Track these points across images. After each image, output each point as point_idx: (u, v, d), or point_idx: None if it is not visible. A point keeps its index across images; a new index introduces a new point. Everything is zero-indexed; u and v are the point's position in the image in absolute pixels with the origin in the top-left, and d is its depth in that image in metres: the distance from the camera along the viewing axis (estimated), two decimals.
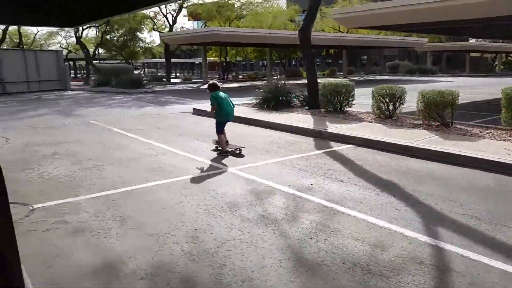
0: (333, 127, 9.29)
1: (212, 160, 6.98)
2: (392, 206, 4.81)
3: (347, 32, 36.41)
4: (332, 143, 8.33)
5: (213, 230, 4.08)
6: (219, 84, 7.80)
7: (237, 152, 7.43)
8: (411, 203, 4.93)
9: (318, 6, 12.61)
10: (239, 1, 36.94)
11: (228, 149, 7.42)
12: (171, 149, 7.87)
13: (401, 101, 10.13)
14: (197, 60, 61.26)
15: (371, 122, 9.83)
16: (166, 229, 4.11)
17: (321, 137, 8.90)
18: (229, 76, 41.32)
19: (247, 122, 10.94)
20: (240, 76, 42.87)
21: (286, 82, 13.94)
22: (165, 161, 6.95)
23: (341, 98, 11.28)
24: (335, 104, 11.36)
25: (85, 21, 8.71)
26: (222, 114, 7.44)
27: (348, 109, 11.53)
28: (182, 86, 30.34)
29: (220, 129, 7.43)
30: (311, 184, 5.59)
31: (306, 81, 12.94)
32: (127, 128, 10.28)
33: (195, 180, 5.84)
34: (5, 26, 30.55)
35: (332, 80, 14.06)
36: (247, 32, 28.29)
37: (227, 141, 7.56)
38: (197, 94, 23.01)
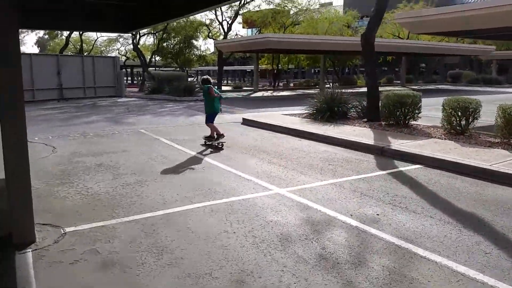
0: (398, 143, 8.30)
1: (260, 178, 6.32)
2: (480, 249, 3.89)
3: (407, 38, 34.58)
4: (397, 162, 7.38)
5: (262, 273, 3.39)
6: (212, 80, 9.65)
7: (220, 146, 8.85)
8: (504, 245, 3.98)
9: (384, 10, 11.62)
10: (296, 6, 36.37)
11: (214, 142, 8.99)
12: (217, 164, 7.31)
13: (475, 116, 8.95)
14: (248, 68, 61.42)
15: (441, 139, 8.72)
16: (207, 267, 3.48)
17: (383, 155, 7.97)
18: (279, 83, 40.74)
19: (299, 134, 10.20)
20: (291, 84, 42.19)
21: (341, 91, 13.03)
22: (210, 178, 6.39)
23: (406, 110, 10.21)
24: (398, 116, 10.32)
25: (140, 26, 8.47)
26: (211, 107, 9.26)
27: (413, 122, 10.44)
28: (233, 94, 30.13)
29: (211, 120, 9.28)
30: (377, 215, 4.75)
31: (361, 90, 12.07)
32: (174, 139, 9.91)
33: (242, 203, 5.19)
34: (68, 33, 32.16)
35: (395, 89, 12.97)
36: (302, 38, 27.60)
37: (222, 134, 9.03)
38: (247, 102, 22.61)
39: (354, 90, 13.75)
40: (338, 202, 5.23)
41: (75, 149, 8.53)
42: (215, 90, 9.20)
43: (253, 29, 47.46)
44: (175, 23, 33.71)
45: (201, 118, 14.28)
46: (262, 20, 35.65)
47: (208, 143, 9.08)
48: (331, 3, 51.98)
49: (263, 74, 55.12)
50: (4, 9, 3.52)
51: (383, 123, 10.71)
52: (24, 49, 66.24)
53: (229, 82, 58.32)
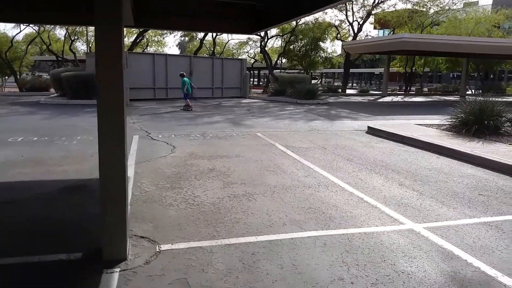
0: None
1: (388, 205, 5.19)
2: None
3: None
4: None
5: None
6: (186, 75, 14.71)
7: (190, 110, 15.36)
8: None
9: None
10: (437, 6, 32.92)
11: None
12: (335, 181, 6.36)
13: None
14: (377, 71, 58.05)
15: None
16: None
17: None
18: (411, 88, 37.36)
19: (438, 151, 8.59)
20: (425, 89, 38.37)
21: (493, 100, 10.79)
22: (325, 197, 5.49)
23: None
24: None
25: (263, 27, 8.04)
26: (187, 90, 16.78)
27: None
28: (358, 98, 28.48)
29: (186, 97, 16.99)
30: None
31: (510, 99, 9.67)
32: (290, 145, 9.24)
33: (363, 238, 4.19)
34: (202, 35, 34.25)
35: None
36: (443, 39, 24.63)
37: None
38: (373, 108, 20.92)
39: (503, 99, 11.33)
40: (497, 254, 3.86)
41: (192, 150, 8.45)
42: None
43: (385, 30, 44.56)
44: (303, 25, 33.34)
45: (321, 123, 13.42)
46: (396, 20, 33.05)
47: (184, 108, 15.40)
48: (477, 2, 45.93)
49: (393, 77, 51.51)
50: (113, 22, 3.21)
51: None
52: (166, 50, 73.73)
53: (354, 85, 56.03)
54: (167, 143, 9.20)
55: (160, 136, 10.16)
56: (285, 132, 11.34)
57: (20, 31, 44.10)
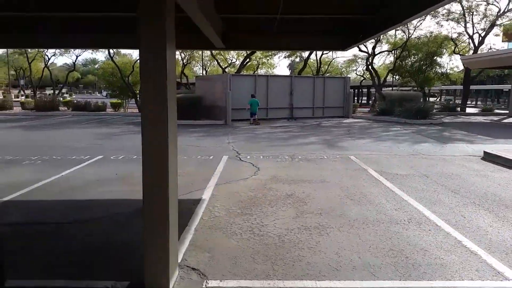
0: None
1: (493, 253, 4.14)
2: None
3: None
4: None
5: None
6: None
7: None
8: None
9: None
10: None
11: None
12: (430, 217, 5.40)
13: None
14: (505, 87, 51.26)
15: None
16: None
17: None
18: None
19: None
20: None
21: None
22: (414, 238, 4.63)
23: None
24: None
25: (355, 42, 7.47)
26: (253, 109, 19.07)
27: None
28: (479, 118, 25.30)
29: (253, 115, 18.33)
30: None
31: None
32: (384, 171, 8.31)
33: None
34: (306, 56, 34.17)
35: None
36: None
37: None
38: (495, 130, 18.24)
39: None
40: None
41: (275, 173, 8.13)
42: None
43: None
44: (416, 39, 31.12)
45: (428, 147, 12.00)
46: None
47: None
48: None
49: None
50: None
51: None
52: (277, 71, 75.61)
53: (478, 103, 50.22)
54: (253, 165, 9.03)
55: (248, 157, 10.06)
56: (382, 156, 10.33)
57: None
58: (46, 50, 35.99)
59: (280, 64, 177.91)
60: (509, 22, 30.66)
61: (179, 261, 3.92)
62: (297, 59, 45.71)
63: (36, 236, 4.73)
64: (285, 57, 38.91)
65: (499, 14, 29.00)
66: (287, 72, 70.50)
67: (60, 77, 57.15)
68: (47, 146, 11.63)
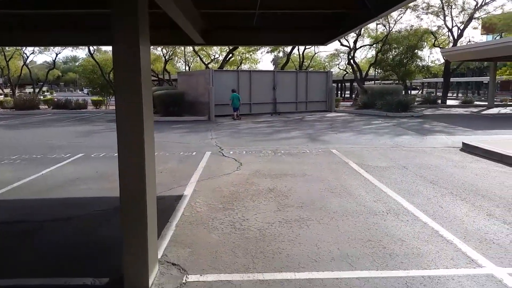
0: None
1: (467, 241, 4.25)
2: None
3: None
4: None
5: None
6: None
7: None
8: None
9: None
10: None
11: None
12: (408, 208, 5.51)
13: None
14: (485, 79, 52.30)
15: None
16: None
17: None
18: None
19: None
20: None
21: None
22: (392, 228, 4.73)
23: None
24: None
25: (335, 36, 7.53)
26: (234, 104, 19.13)
27: None
28: (459, 110, 25.80)
29: (235, 110, 18.64)
30: None
31: None
32: (365, 164, 8.43)
33: (425, 283, 3.42)
34: (289, 50, 34.20)
35: None
36: None
37: None
38: (475, 121, 18.62)
39: None
40: None
41: (258, 168, 8.16)
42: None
43: (489, 36, 40.03)
44: (396, 33, 31.50)
45: (409, 139, 12.20)
46: (504, 23, 29.42)
47: None
48: None
49: (505, 86, 45.93)
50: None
51: None
52: (261, 66, 75.49)
53: (458, 95, 51.14)
54: (236, 160, 9.05)
55: (231, 152, 10.08)
56: (364, 149, 10.47)
57: None
58: (24, 48, 35.18)
59: (264, 59, 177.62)
60: (486, 15, 31.27)
61: (159, 257, 3.93)
62: (281, 54, 45.75)
63: (16, 234, 4.67)
64: (268, 52, 38.91)
65: (476, 7, 29.52)
66: (271, 67, 70.49)
67: (40, 75, 55.98)
68: (27, 145, 11.43)
